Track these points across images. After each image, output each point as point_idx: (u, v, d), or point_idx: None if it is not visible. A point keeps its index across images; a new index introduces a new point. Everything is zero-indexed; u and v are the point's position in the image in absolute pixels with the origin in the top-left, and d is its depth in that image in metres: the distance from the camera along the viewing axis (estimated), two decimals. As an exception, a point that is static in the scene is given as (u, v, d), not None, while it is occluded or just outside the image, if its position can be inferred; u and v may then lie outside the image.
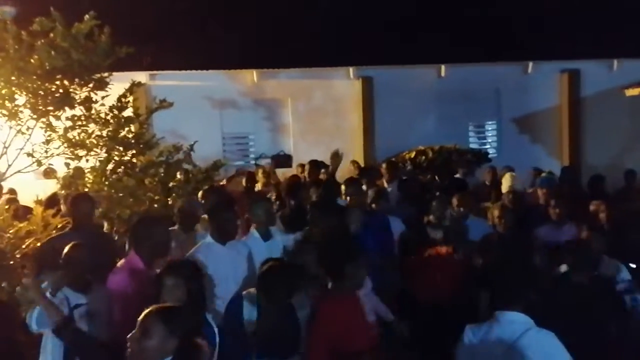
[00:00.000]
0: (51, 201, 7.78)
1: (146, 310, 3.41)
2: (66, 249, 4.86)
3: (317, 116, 14.16)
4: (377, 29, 13.79)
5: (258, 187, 10.54)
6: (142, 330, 3.33)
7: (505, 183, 9.93)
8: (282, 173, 12.07)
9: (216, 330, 4.31)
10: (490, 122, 15.21)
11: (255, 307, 4.57)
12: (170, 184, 7.89)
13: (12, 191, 9.11)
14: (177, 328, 3.35)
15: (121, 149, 7.82)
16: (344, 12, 13.93)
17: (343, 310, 4.53)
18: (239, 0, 13.67)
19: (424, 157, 12.73)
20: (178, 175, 8.05)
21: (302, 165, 11.31)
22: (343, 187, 7.83)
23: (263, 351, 4.47)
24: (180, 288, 4.20)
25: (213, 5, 13.41)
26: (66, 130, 7.63)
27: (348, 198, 7.55)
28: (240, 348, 4.46)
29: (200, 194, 7.53)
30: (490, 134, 15.27)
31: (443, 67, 14.29)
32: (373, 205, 7.63)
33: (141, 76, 11.50)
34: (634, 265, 6.29)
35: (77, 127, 7.70)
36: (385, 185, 9.64)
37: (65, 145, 7.60)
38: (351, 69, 14.10)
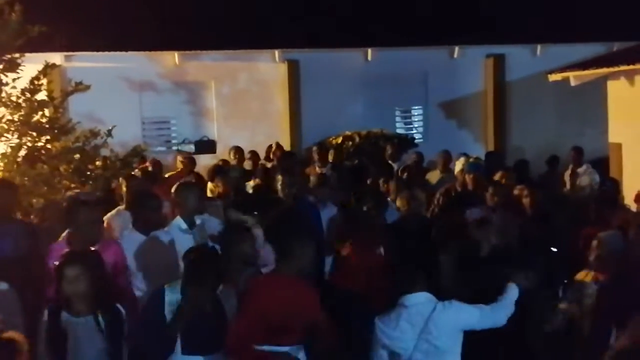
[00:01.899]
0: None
1: None
2: None
3: (242, 100, 14.06)
4: (303, 11, 13.77)
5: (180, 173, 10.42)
6: None
7: (459, 166, 10.10)
8: (207, 158, 12.01)
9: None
10: (416, 107, 15.40)
11: (179, 298, 4.51)
12: (87, 172, 7.75)
13: None
14: None
15: (34, 134, 7.67)
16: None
17: (279, 286, 4.53)
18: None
19: (351, 143, 12.85)
20: (96, 162, 7.92)
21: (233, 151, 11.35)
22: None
23: (187, 345, 4.43)
24: (82, 279, 4.16)
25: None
26: (-26, 114, 7.41)
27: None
28: (160, 342, 4.41)
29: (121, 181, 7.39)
30: (416, 119, 15.47)
31: (370, 50, 14.36)
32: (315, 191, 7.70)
33: (56, 57, 11.20)
34: (554, 249, 6.51)
35: (-15, 111, 7.49)
36: (318, 170, 9.70)
37: (-27, 130, 7.38)
38: (277, 52, 14.03)
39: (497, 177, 8.17)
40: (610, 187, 8.68)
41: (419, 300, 4.34)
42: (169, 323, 4.40)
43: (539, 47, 14.99)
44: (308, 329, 4.48)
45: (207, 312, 4.43)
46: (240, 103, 14.04)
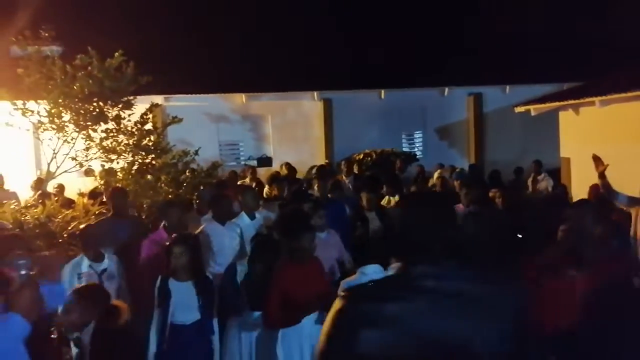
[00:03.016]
0: (93, 194, 7.68)
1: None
2: (81, 229, 4.94)
3: (290, 128, 14.12)
4: (334, 63, 13.79)
5: (246, 181, 10.48)
6: (67, 307, 3.34)
7: (436, 175, 10.06)
8: (265, 170, 12.06)
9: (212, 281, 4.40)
10: (417, 132, 15.30)
11: (247, 271, 4.52)
12: (181, 180, 7.84)
13: (60, 186, 8.93)
14: (94, 301, 3.35)
15: (143, 153, 7.77)
16: (311, 49, 13.91)
17: (294, 271, 4.25)
18: (231, 43, 13.56)
19: (369, 158, 12.81)
20: (187, 173, 8.00)
21: (285, 165, 11.34)
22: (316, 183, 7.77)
23: (253, 304, 4.45)
24: (184, 255, 4.22)
25: (208, 44, 13.30)
26: (101, 140, 7.57)
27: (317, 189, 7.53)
28: (235, 301, 4.44)
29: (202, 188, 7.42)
30: (417, 141, 15.37)
31: (382, 91, 14.33)
32: (329, 195, 7.58)
33: (158, 98, 11.37)
34: (520, 236, 6.37)
35: (109, 137, 7.63)
36: (344, 179, 9.63)
37: (101, 151, 7.51)
38: (315, 93, 14.08)
39: (492, 193, 7.87)
40: (562, 190, 8.52)
41: (369, 270, 4.14)
42: (240, 288, 4.43)
43: (507, 87, 14.80)
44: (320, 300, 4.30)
45: (267, 282, 4.42)
46: (289, 130, 14.10)
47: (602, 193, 6.02)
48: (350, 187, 8.90)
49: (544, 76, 14.00)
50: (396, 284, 1.69)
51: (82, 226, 5.27)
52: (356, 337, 1.57)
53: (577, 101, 10.39)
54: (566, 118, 11.11)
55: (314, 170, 8.28)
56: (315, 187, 7.60)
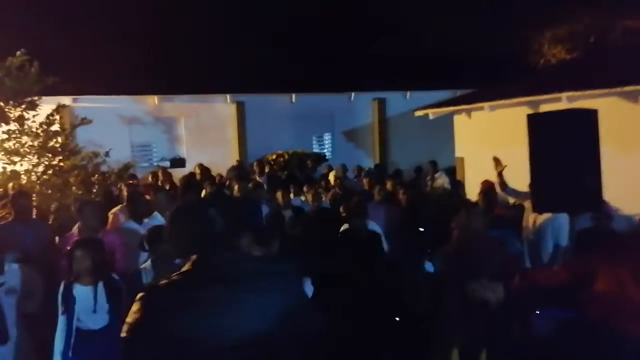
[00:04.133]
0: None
1: None
2: None
3: (204, 130, 13.78)
4: (247, 66, 13.65)
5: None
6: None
7: (332, 175, 10.14)
8: (179, 171, 11.68)
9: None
10: (327, 134, 15.46)
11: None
12: (91, 182, 7.42)
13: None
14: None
15: (50, 155, 7.27)
16: (224, 52, 13.67)
17: None
18: (143, 42, 13.01)
19: (281, 159, 12.78)
20: (97, 175, 7.59)
21: (198, 166, 11.07)
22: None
23: None
24: (87, 258, 3.98)
25: (123, 45, 12.69)
26: (2, 141, 6.97)
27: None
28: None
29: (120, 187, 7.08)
30: (327, 142, 15.54)
31: (294, 95, 14.35)
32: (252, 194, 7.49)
33: (66, 99, 10.70)
34: (422, 229, 6.59)
35: (12, 139, 7.05)
36: (258, 178, 9.56)
37: (2, 153, 6.94)
38: (228, 96, 13.83)
39: (387, 184, 8.13)
40: (457, 187, 8.91)
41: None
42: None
43: (408, 93, 15.31)
44: None
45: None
46: (203, 132, 13.75)
47: (492, 188, 6.38)
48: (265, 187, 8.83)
49: (441, 83, 14.63)
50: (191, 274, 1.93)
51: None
52: (158, 323, 1.79)
53: (469, 106, 10.92)
54: (460, 121, 11.62)
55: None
56: (235, 188, 7.48)
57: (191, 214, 2.04)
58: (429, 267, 5.57)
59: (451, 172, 11.49)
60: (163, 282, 1.93)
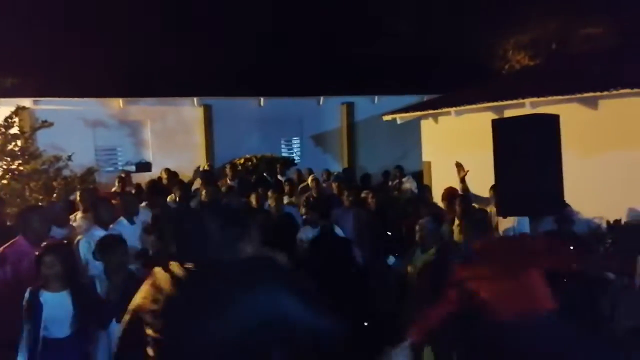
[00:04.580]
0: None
1: None
2: None
3: (170, 133, 13.58)
4: (214, 68, 13.53)
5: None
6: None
7: (310, 179, 10.11)
8: (146, 176, 11.49)
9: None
10: (295, 138, 15.44)
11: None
12: (52, 187, 7.22)
13: None
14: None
15: (9, 159, 7.05)
16: (191, 55, 13.53)
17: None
18: (107, 43, 12.76)
19: (250, 163, 12.70)
20: (59, 180, 7.39)
21: (165, 171, 10.91)
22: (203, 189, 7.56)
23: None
24: (56, 264, 3.87)
25: (86, 45, 12.42)
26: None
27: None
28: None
29: (78, 194, 6.90)
30: (295, 146, 15.52)
31: (262, 99, 14.30)
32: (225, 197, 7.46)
33: (26, 101, 10.39)
34: (390, 233, 6.65)
35: (-32, 142, 6.82)
36: (229, 182, 9.49)
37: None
38: (195, 99, 13.68)
39: (364, 194, 8.11)
40: (424, 191, 9.00)
41: None
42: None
43: (376, 97, 15.42)
44: None
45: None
46: (169, 136, 13.55)
47: (456, 194, 6.47)
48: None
49: (409, 88, 14.79)
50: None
51: None
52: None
53: (436, 111, 11.08)
54: (427, 126, 11.77)
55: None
56: (203, 193, 7.41)
57: (191, 218, 2.11)
58: (391, 261, 5.63)
59: (418, 176, 11.61)
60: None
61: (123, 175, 10.51)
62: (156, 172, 12.15)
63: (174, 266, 2.00)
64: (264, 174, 11.43)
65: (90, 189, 7.38)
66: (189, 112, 13.86)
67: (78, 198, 6.51)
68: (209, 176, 9.61)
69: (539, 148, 4.29)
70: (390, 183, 11.42)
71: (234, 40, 14.21)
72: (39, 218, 4.60)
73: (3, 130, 7.04)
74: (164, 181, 10.05)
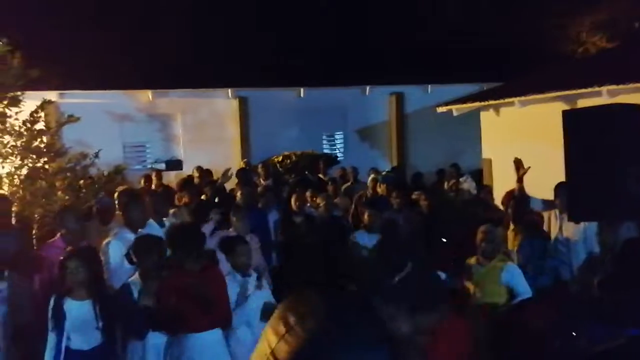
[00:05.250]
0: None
1: None
2: None
3: (203, 128, 13.84)
4: (250, 57, 13.70)
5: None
6: None
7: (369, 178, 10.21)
8: (175, 174, 11.77)
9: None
10: (338, 133, 15.48)
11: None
12: (79, 186, 7.47)
13: None
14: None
15: (34, 157, 7.33)
16: (224, 43, 13.74)
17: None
18: (134, 32, 13.10)
19: (288, 160, 12.80)
20: (86, 179, 7.64)
21: (197, 169, 11.14)
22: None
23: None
24: (81, 270, 4.01)
25: (113, 35, 12.79)
26: (-18, 141, 7.05)
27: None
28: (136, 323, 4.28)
29: (116, 194, 7.12)
30: (338, 142, 15.55)
31: (302, 89, 14.38)
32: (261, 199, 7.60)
33: (52, 95, 10.79)
34: (444, 240, 6.58)
35: (-8, 138, 7.13)
36: (262, 182, 9.61)
37: (-18, 154, 7.02)
38: (230, 90, 13.90)
39: (415, 195, 8.11)
40: (484, 193, 8.88)
41: None
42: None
43: (429, 87, 15.28)
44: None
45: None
46: (201, 131, 13.82)
47: (520, 195, 6.35)
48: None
49: (466, 76, 14.59)
50: None
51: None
52: None
53: (497, 101, 10.91)
54: (487, 119, 11.61)
55: (229, 173, 8.14)
56: (239, 194, 7.54)
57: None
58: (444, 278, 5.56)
59: (477, 175, 11.46)
60: None
61: (152, 173, 10.80)
62: (187, 170, 12.40)
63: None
64: (306, 173, 11.51)
65: (127, 189, 7.60)
66: (223, 104, 14.09)
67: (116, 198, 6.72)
68: (246, 175, 9.75)
69: (619, 144, 4.17)
70: (445, 183, 11.31)
71: (270, 26, 14.34)
72: (76, 218, 4.87)
73: (29, 125, 7.33)
74: (196, 180, 10.26)
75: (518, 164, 6.09)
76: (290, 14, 14.80)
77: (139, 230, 5.40)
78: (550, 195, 6.14)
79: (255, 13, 14.48)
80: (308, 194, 8.12)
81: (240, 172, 10.06)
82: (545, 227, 6.21)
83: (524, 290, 4.95)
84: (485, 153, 11.63)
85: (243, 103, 14.07)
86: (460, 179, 11.02)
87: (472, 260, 5.37)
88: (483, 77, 14.56)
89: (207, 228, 6.00)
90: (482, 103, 11.36)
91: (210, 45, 13.55)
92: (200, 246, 4.39)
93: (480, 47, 14.84)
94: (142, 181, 10.08)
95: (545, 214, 6.18)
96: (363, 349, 1.26)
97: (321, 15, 15.04)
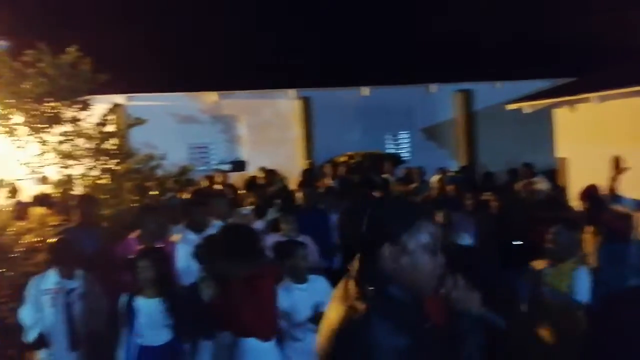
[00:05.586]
0: (40, 199, 7.64)
1: None
2: (53, 242, 4.81)
3: (266, 129, 14.06)
4: (313, 57, 13.80)
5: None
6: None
7: (435, 179, 10.12)
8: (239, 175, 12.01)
9: None
10: (403, 132, 15.37)
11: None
12: (146, 187, 7.73)
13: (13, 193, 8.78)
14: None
15: (104, 158, 7.65)
16: (286, 43, 13.90)
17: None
18: (197, 35, 13.46)
19: (352, 161, 12.81)
20: (152, 180, 7.90)
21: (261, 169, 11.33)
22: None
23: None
24: (150, 269, 4.15)
25: (177, 38, 13.19)
26: (57, 144, 7.42)
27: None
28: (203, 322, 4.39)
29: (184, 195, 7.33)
30: (404, 141, 15.44)
31: (366, 88, 14.36)
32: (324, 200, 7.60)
33: (119, 98, 11.24)
34: (517, 243, 6.41)
35: (66, 141, 7.49)
36: (330, 182, 9.65)
37: (57, 156, 7.39)
38: (293, 91, 14.05)
39: (486, 197, 7.98)
40: (559, 193, 8.61)
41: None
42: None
43: (498, 83, 14.96)
44: None
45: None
46: (265, 131, 14.04)
47: (597, 194, 6.10)
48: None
49: (538, 71, 14.18)
50: None
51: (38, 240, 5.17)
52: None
53: (572, 97, 10.53)
54: (561, 116, 11.25)
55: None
56: (300, 195, 7.60)
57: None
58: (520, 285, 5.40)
59: (551, 175, 11.13)
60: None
61: (216, 174, 11.05)
62: (251, 171, 12.61)
63: None
64: (371, 173, 11.48)
65: (202, 189, 7.81)
66: (286, 105, 14.25)
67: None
68: (309, 176, 9.81)
69: None
70: (517, 184, 11.02)
71: (332, 25, 14.39)
72: (155, 218, 5.06)
73: (99, 128, 7.65)
74: (260, 181, 10.41)
75: (617, 162, 5.88)
76: (352, 12, 14.79)
77: (203, 231, 5.51)
78: (631, 195, 5.88)
79: (316, 12, 14.56)
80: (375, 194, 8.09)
81: (303, 173, 10.13)
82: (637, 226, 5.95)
83: (582, 296, 4.72)
84: (560, 152, 11.27)
85: (306, 103, 14.19)
86: (533, 179, 10.70)
87: (542, 264, 5.21)
88: (556, 72, 14.09)
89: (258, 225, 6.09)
90: (556, 99, 11.00)
91: (272, 46, 13.75)
92: (255, 249, 4.43)
93: (553, 41, 14.36)
94: (205, 182, 10.31)
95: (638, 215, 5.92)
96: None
97: (385, 12, 14.94)
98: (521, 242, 6.30)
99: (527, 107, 11.64)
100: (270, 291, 4.27)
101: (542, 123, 12.08)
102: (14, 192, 8.65)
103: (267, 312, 4.15)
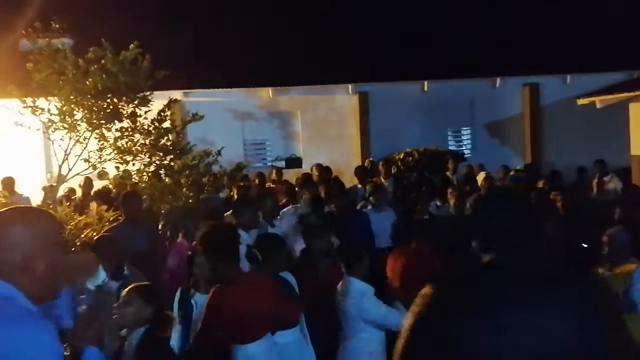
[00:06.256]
0: (100, 194, 7.91)
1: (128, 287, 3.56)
2: (96, 240, 4.96)
3: (322, 125, 14.16)
4: (370, 51, 13.79)
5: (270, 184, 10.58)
6: (124, 300, 3.44)
7: (481, 177, 9.97)
8: (294, 172, 12.15)
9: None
10: (465, 128, 15.18)
11: None
12: (202, 183, 7.93)
13: (71, 190, 9.18)
14: (152, 300, 3.46)
15: (161, 154, 7.85)
16: (343, 37, 13.96)
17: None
18: (254, 31, 13.67)
19: (410, 158, 12.73)
20: (209, 176, 8.08)
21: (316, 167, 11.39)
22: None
23: None
24: (206, 265, 4.28)
25: (233, 35, 13.45)
26: (116, 139, 7.68)
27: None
28: None
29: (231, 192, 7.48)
30: (465, 138, 15.24)
31: (426, 82, 14.25)
32: (371, 199, 7.58)
33: (177, 94, 11.55)
34: (585, 245, 6.24)
35: (125, 137, 7.75)
36: (383, 181, 9.61)
37: (115, 152, 7.66)
38: (350, 86, 14.09)
39: (539, 184, 7.92)
40: (633, 192, 8.33)
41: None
42: None
43: (568, 76, 14.57)
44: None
45: None
46: (321, 127, 14.14)
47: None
48: (390, 190, 8.91)
49: (611, 64, 13.72)
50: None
51: (96, 235, 5.38)
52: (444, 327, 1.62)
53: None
54: (638, 111, 10.89)
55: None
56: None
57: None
58: None
59: (625, 174, 10.77)
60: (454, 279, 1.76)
61: (270, 171, 11.21)
62: (306, 168, 12.72)
63: None
64: (425, 173, 11.37)
65: (243, 186, 7.96)
66: (343, 100, 14.31)
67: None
68: (363, 173, 9.81)
69: None
70: (588, 182, 10.70)
71: (390, 17, 14.33)
72: (193, 220, 5.24)
73: (157, 124, 7.89)
74: (315, 178, 10.48)
75: None
76: (411, 4, 14.69)
77: (251, 230, 5.61)
78: None
79: (374, 4, 14.53)
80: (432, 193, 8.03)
81: (357, 170, 10.14)
82: None
83: (635, 298, 4.55)
84: (635, 149, 10.89)
85: (363, 98, 14.20)
86: (605, 178, 10.38)
87: (602, 268, 5.07)
88: (632, 63, 13.59)
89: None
90: (631, 93, 10.66)
91: (329, 41, 13.83)
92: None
93: (630, 30, 13.84)
94: (256, 180, 10.44)
95: None
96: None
97: (444, 3, 14.77)
98: (588, 245, 6.12)
99: (599, 101, 11.33)
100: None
101: (615, 118, 11.73)
102: (88, 185, 9.01)
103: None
